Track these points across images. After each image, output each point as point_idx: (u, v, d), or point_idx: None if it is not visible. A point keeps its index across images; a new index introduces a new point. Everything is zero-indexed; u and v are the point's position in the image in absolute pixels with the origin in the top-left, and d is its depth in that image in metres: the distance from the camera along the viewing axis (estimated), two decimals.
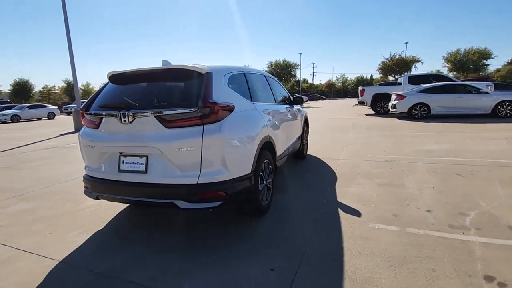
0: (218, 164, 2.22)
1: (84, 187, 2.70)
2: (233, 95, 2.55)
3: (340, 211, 2.96)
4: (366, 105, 14.85)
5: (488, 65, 40.16)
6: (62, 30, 12.69)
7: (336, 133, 8.40)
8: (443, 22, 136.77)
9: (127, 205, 3.23)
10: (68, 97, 52.39)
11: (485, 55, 37.86)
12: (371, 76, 61.23)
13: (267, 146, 2.98)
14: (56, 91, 55.75)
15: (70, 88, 49.37)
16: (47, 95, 53.50)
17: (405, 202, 3.10)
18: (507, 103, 10.28)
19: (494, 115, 10.46)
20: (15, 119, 21.47)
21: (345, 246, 2.28)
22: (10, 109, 23.04)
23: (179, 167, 2.21)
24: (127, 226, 2.87)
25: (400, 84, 14.59)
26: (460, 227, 2.50)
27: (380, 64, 35.81)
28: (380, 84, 18.41)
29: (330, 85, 74.11)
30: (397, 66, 33.41)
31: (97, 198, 2.55)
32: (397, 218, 2.73)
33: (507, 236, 2.32)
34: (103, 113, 2.41)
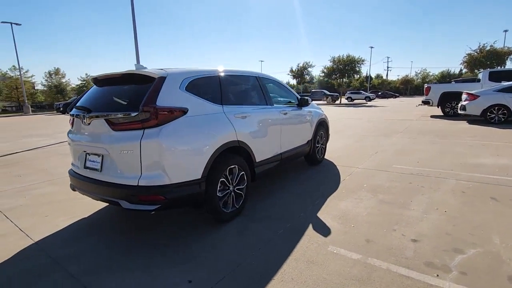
0: (157, 168, 2.24)
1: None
2: (191, 99, 2.53)
3: (310, 227, 2.68)
4: (431, 105, 12.90)
5: None
6: (127, 31, 14.44)
7: (378, 137, 7.54)
8: None
9: None
10: None
11: None
12: (460, 70, 51.90)
13: (236, 151, 2.89)
14: None
15: None
16: None
17: (394, 226, 2.63)
18: None
19: None
20: None
21: (283, 268, 2.07)
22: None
23: (123, 168, 2.32)
24: (107, 218, 3.12)
25: (479, 81, 12.29)
26: (440, 267, 2.01)
27: (465, 56, 30.25)
28: (456, 81, 15.66)
29: (406, 81, 65.94)
30: (487, 59, 27.78)
31: (74, 190, 2.85)
32: (368, 244, 2.34)
33: None
34: (74, 114, 2.68)
